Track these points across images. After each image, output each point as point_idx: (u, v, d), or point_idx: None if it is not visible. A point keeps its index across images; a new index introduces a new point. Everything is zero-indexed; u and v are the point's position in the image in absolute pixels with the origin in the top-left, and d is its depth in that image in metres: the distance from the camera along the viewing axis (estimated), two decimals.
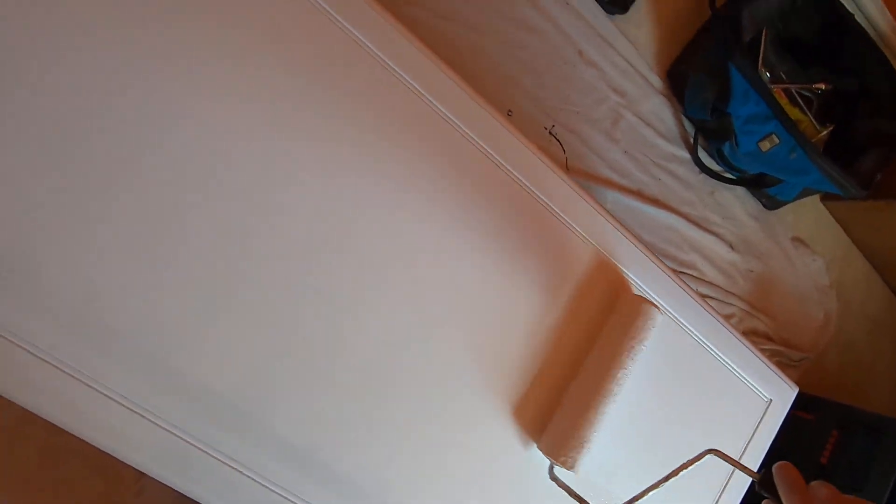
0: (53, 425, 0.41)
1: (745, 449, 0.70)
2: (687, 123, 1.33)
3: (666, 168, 1.31)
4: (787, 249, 1.44)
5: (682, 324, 0.69)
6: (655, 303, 0.60)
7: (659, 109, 1.30)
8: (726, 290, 1.34)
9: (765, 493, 0.41)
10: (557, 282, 0.61)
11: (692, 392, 0.69)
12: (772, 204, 1.39)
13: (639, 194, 1.28)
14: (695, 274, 1.32)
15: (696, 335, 0.69)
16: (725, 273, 1.35)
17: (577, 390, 0.56)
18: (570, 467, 0.51)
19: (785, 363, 1.39)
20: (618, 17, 1.26)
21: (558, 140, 1.18)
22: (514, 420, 0.57)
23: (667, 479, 0.47)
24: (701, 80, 1.21)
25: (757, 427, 0.71)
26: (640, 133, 1.28)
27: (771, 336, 1.38)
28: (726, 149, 1.27)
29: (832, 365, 1.48)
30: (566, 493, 0.52)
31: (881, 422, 1.14)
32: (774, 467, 0.41)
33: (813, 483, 0.40)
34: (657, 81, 1.30)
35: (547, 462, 0.55)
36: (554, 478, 0.53)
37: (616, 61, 1.25)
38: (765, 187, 1.31)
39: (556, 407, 0.57)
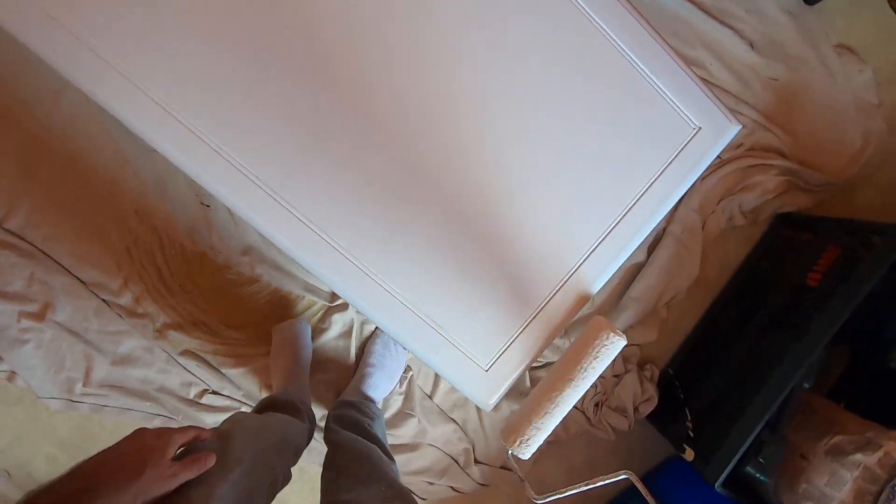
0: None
1: (660, 174, 0.67)
2: None
3: None
4: (826, 57, 1.25)
5: (609, 35, 0.64)
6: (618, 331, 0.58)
7: None
8: (738, 98, 1.21)
9: None
10: None
11: (612, 112, 0.66)
12: None
13: None
14: (701, 74, 1.19)
15: (623, 50, 0.65)
16: (741, 77, 1.21)
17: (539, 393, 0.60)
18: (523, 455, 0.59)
19: (801, 187, 1.28)
20: None
21: None
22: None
23: None
24: None
25: (678, 154, 0.67)
26: None
27: (785, 153, 1.26)
28: None
29: (862, 195, 1.34)
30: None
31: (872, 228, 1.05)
32: None
33: None
34: None
35: None
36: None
37: None
38: None
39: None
